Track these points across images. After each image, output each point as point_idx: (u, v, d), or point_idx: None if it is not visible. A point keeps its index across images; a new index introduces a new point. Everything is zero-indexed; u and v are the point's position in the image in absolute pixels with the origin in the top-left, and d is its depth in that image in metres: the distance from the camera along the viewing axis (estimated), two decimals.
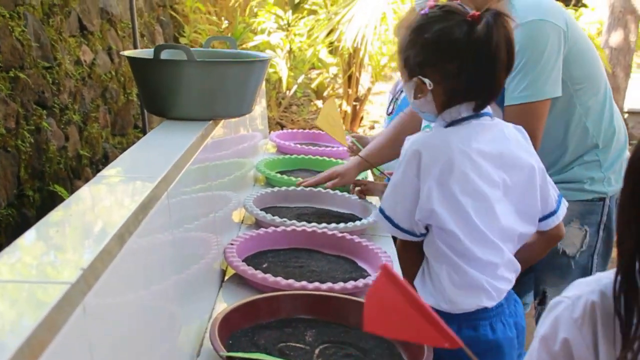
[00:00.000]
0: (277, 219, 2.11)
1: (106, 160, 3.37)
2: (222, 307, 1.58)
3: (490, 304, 1.55)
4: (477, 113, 1.56)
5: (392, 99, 2.84)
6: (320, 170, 2.86)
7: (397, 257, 1.72)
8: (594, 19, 9.98)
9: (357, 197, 2.40)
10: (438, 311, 1.49)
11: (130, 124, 3.86)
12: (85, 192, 1.15)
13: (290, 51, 6.65)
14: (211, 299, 1.67)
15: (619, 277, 0.99)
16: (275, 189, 2.46)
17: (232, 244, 1.87)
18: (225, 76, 1.79)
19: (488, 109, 1.59)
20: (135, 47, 3.20)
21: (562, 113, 2.03)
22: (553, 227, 1.65)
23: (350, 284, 1.68)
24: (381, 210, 1.62)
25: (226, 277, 1.82)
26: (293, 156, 2.98)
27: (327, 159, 2.95)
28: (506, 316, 1.59)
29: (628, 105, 8.48)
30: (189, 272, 1.43)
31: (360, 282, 1.70)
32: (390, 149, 2.27)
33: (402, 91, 2.74)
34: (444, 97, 1.55)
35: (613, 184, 2.07)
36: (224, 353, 1.31)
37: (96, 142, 3.29)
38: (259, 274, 1.68)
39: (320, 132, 3.41)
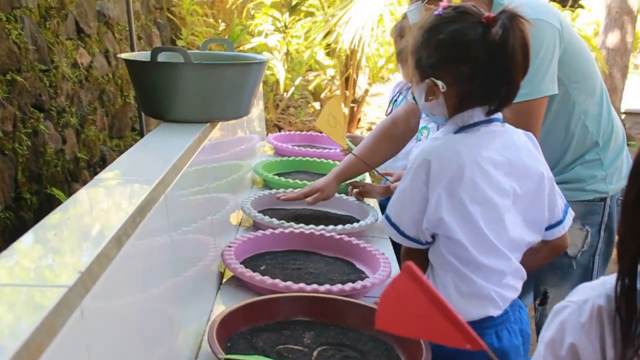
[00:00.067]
0: (274, 221, 2.11)
1: (104, 162, 3.37)
2: (220, 309, 1.58)
3: (496, 312, 1.52)
4: (488, 118, 1.52)
5: (391, 100, 2.84)
6: (317, 172, 2.87)
7: (400, 263, 1.70)
8: (590, 20, 10.00)
9: (354, 198, 2.40)
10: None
11: (127, 126, 3.85)
12: (82, 195, 1.15)
13: (288, 53, 6.65)
14: (209, 302, 1.67)
15: (620, 280, 0.99)
16: (273, 191, 2.46)
17: (230, 246, 1.87)
18: (223, 78, 1.79)
19: (498, 114, 1.55)
20: (132, 50, 3.19)
21: (561, 112, 2.03)
22: (558, 237, 1.62)
23: (349, 286, 1.68)
24: (387, 217, 1.58)
25: (224, 280, 1.82)
26: (291, 158, 2.98)
27: (325, 160, 2.95)
28: (511, 323, 1.57)
29: (625, 106, 8.49)
30: (186, 275, 1.43)
31: (359, 284, 1.70)
32: (380, 150, 2.28)
33: (400, 93, 2.74)
34: (456, 100, 1.51)
35: (614, 182, 2.08)
36: (223, 355, 1.31)
37: (93, 145, 3.29)
38: (257, 276, 1.68)
39: (318, 134, 3.41)
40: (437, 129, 2.03)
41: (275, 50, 6.50)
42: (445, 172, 1.46)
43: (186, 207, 1.49)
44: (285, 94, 6.80)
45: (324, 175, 2.81)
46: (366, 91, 7.06)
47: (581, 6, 10.42)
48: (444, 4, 1.52)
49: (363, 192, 2.39)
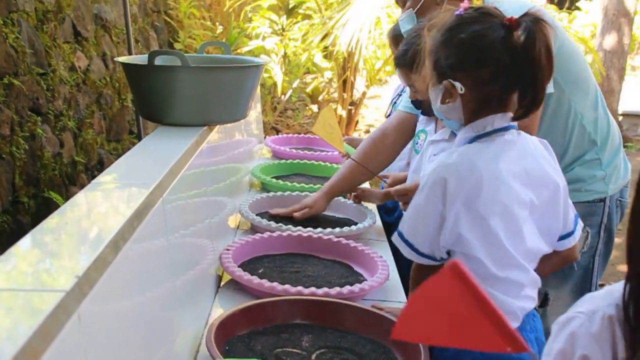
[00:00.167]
0: (272, 224, 2.10)
1: (101, 166, 3.36)
2: (219, 312, 1.58)
3: (515, 324, 1.49)
4: (503, 126, 1.48)
5: (391, 102, 2.84)
6: (315, 174, 2.87)
7: (410, 278, 1.65)
8: (587, 22, 10.02)
9: (352, 202, 2.40)
10: None
11: (125, 129, 3.85)
12: (80, 198, 1.15)
13: (285, 56, 6.66)
14: (207, 305, 1.67)
15: (628, 286, 0.99)
16: (271, 194, 2.46)
17: (228, 250, 1.87)
18: (220, 82, 1.79)
19: (514, 122, 1.50)
20: (129, 53, 3.20)
21: (558, 113, 2.03)
22: (569, 248, 1.59)
23: (346, 289, 1.68)
24: (400, 234, 1.54)
25: (222, 283, 1.82)
26: (288, 161, 2.98)
27: (323, 163, 2.95)
28: (527, 332, 1.55)
29: (622, 107, 8.51)
30: (184, 278, 1.43)
31: (357, 287, 1.70)
32: (371, 163, 2.26)
33: (400, 94, 2.74)
34: (474, 104, 1.46)
35: (613, 182, 2.08)
36: (221, 359, 1.31)
37: (91, 148, 3.29)
38: (255, 280, 1.68)
39: (316, 136, 3.41)
40: (435, 132, 2.04)
41: (273, 53, 6.51)
42: (463, 188, 1.42)
43: (184, 211, 1.49)
44: (282, 96, 6.80)
45: (321, 177, 2.83)
46: (364, 93, 7.07)
47: (578, 8, 10.44)
48: (465, 4, 1.49)
49: (361, 196, 2.39)
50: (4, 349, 0.63)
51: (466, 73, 1.45)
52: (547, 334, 1.20)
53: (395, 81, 2.55)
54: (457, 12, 1.46)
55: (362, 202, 2.40)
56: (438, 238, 1.47)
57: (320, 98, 7.56)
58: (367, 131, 7.65)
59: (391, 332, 1.54)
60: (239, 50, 5.98)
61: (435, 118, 2.06)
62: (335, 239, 2.02)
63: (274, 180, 2.64)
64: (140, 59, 1.90)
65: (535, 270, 1.53)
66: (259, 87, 2.23)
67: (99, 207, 1.17)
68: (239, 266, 1.80)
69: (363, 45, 5.66)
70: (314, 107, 7.69)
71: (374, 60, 6.70)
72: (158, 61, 1.75)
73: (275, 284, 1.66)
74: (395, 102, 2.77)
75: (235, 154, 2.43)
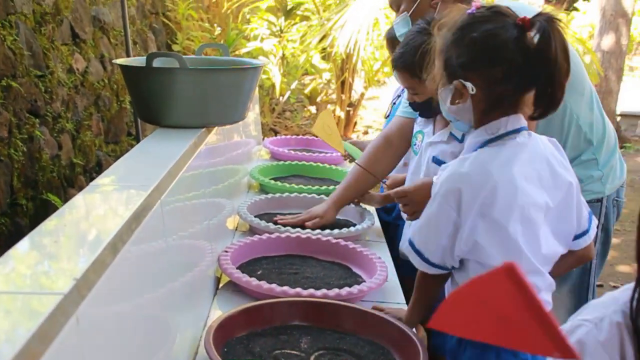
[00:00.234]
0: (271, 225, 2.11)
1: (100, 168, 3.36)
2: (217, 314, 1.58)
3: None
4: (515, 128, 1.45)
5: (391, 102, 2.84)
6: (314, 176, 2.87)
7: (416, 284, 1.61)
8: (585, 23, 10.04)
9: (352, 204, 2.40)
10: (474, 340, 1.46)
11: (123, 131, 3.85)
12: (79, 201, 1.15)
13: (283, 57, 6.66)
14: (206, 307, 1.67)
15: (637, 292, 0.99)
16: (270, 195, 2.46)
17: (226, 251, 1.87)
18: (218, 84, 1.79)
19: (524, 123, 1.47)
20: (127, 55, 3.20)
21: (555, 114, 2.03)
22: (584, 248, 1.56)
23: (345, 290, 1.68)
24: (411, 243, 1.52)
25: (221, 285, 1.82)
26: (287, 162, 2.98)
27: (321, 165, 2.95)
28: None
29: (620, 108, 8.52)
30: (183, 280, 1.43)
31: (355, 288, 1.70)
32: (377, 169, 2.26)
33: (399, 96, 2.73)
34: (485, 105, 1.44)
35: (609, 182, 2.09)
36: None
37: (89, 150, 3.29)
38: (254, 281, 1.68)
39: (314, 138, 3.41)
40: (433, 133, 2.04)
41: (271, 55, 6.51)
42: (478, 196, 1.40)
43: (182, 213, 1.49)
44: (281, 98, 6.80)
45: (320, 179, 2.83)
46: (362, 95, 7.08)
47: (576, 9, 10.46)
48: (476, 3, 1.48)
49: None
50: (2, 352, 0.63)
51: (478, 72, 1.42)
52: None
53: (393, 82, 2.55)
54: (469, 11, 1.44)
55: (362, 204, 2.39)
56: (451, 247, 1.45)
57: (318, 99, 7.57)
58: (366, 132, 7.65)
59: (389, 332, 1.53)
60: (237, 52, 5.99)
61: (434, 119, 2.06)
62: (334, 241, 2.03)
63: (273, 181, 2.64)
64: (138, 61, 1.90)
65: (549, 272, 1.51)
66: (257, 89, 2.23)
67: (97, 209, 1.17)
68: (237, 268, 1.80)
69: (361, 47, 5.66)
70: (312, 109, 7.70)
71: (372, 61, 6.72)
72: (156, 63, 1.75)
73: (273, 285, 1.66)
74: (394, 103, 2.77)
75: (233, 155, 2.43)
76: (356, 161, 2.25)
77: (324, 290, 1.67)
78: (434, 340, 1.98)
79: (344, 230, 2.12)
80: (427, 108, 2.02)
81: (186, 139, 1.64)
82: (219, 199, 2.01)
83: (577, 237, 1.54)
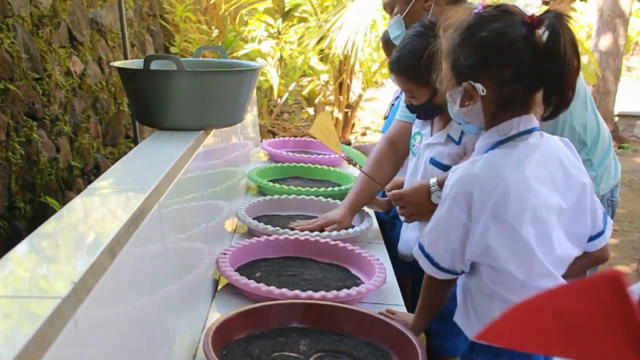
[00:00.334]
0: (269, 227, 2.10)
1: (98, 170, 3.36)
2: (216, 317, 1.57)
3: None
4: (527, 129, 1.42)
5: (390, 103, 2.84)
6: (312, 177, 2.87)
7: (422, 288, 1.60)
8: (582, 23, 10.05)
9: None
10: (487, 346, 1.43)
11: (121, 134, 3.85)
12: (77, 203, 1.15)
13: (281, 59, 6.66)
14: (204, 309, 1.67)
15: None
16: (268, 197, 2.46)
17: (224, 254, 1.86)
18: (216, 86, 1.79)
19: (536, 124, 1.45)
20: (125, 57, 3.19)
21: None
22: (599, 249, 1.53)
23: (344, 292, 1.68)
24: (420, 247, 1.50)
25: (219, 287, 1.82)
26: (285, 164, 2.98)
27: (320, 166, 2.95)
28: None
29: (618, 108, 8.53)
30: (181, 283, 1.43)
31: (354, 290, 1.70)
32: (384, 174, 2.25)
33: (398, 97, 2.73)
34: (495, 106, 1.41)
35: (604, 182, 2.09)
36: None
37: (87, 153, 3.29)
38: (252, 284, 1.68)
39: (313, 139, 3.41)
40: (431, 135, 2.04)
41: (269, 56, 6.51)
42: (490, 199, 1.38)
43: (180, 215, 1.49)
44: (279, 99, 6.80)
45: (318, 180, 2.83)
46: (360, 96, 7.08)
47: (573, 9, 10.46)
48: (483, 3, 1.45)
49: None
50: (1, 355, 0.63)
51: (487, 73, 1.40)
52: None
53: (391, 84, 2.55)
54: (475, 11, 1.42)
55: (364, 208, 2.38)
56: (461, 251, 1.43)
57: (316, 101, 7.57)
58: (364, 134, 7.66)
59: (388, 334, 1.53)
60: (235, 54, 5.99)
61: (431, 121, 2.06)
62: (332, 242, 2.02)
63: (271, 183, 2.64)
64: (135, 63, 1.90)
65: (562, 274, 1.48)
66: (255, 91, 2.23)
67: (95, 212, 1.17)
68: (235, 270, 1.80)
69: (359, 48, 5.66)
70: (311, 110, 7.70)
71: (370, 62, 6.72)
72: (154, 65, 1.75)
73: (272, 287, 1.66)
74: (393, 104, 2.77)
75: (231, 157, 2.43)
76: (362, 169, 2.25)
77: (322, 292, 1.67)
78: (434, 341, 1.98)
79: (342, 232, 2.12)
80: (424, 111, 2.02)
81: (184, 141, 1.64)
82: (217, 201, 2.01)
83: (592, 239, 1.51)
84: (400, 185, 2.10)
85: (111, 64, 1.93)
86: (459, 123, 1.57)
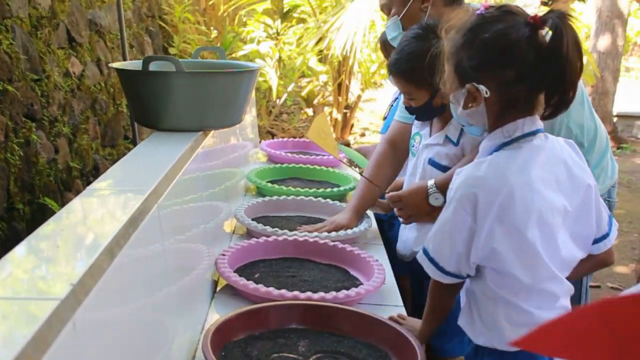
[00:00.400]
0: (268, 228, 2.10)
1: (97, 171, 3.36)
2: (215, 318, 1.57)
3: None
4: (531, 131, 1.41)
5: (390, 104, 2.84)
6: (311, 178, 2.87)
7: (429, 292, 1.59)
8: (581, 24, 10.04)
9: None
10: (491, 349, 1.44)
11: (120, 135, 3.85)
12: (76, 205, 1.15)
13: (280, 60, 6.66)
14: (203, 310, 1.67)
15: None
16: (267, 198, 2.46)
17: (223, 255, 1.86)
18: (215, 87, 1.79)
19: (541, 125, 1.44)
20: (124, 58, 3.19)
21: None
22: (604, 251, 1.51)
23: (342, 293, 1.68)
24: (425, 251, 1.49)
25: (218, 288, 1.82)
26: (284, 165, 2.98)
27: (318, 167, 2.95)
28: None
29: (617, 108, 8.53)
30: (180, 284, 1.43)
31: (353, 291, 1.70)
32: (385, 175, 2.25)
33: (397, 98, 2.73)
34: (499, 107, 1.40)
35: (601, 183, 2.08)
36: None
37: (86, 154, 3.29)
38: (251, 285, 1.68)
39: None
40: (430, 135, 2.04)
41: (268, 57, 6.51)
42: (495, 201, 1.37)
43: (179, 216, 1.49)
44: (278, 100, 6.80)
45: (317, 181, 2.83)
46: (359, 97, 7.08)
47: (572, 10, 10.46)
48: (485, 4, 1.43)
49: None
50: (0, 357, 0.63)
51: (491, 74, 1.39)
52: None
53: (390, 84, 2.54)
54: (478, 12, 1.41)
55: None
56: (466, 254, 1.42)
57: (315, 101, 7.57)
58: (362, 134, 7.66)
59: (387, 335, 1.52)
60: (233, 55, 5.98)
61: (430, 121, 2.06)
62: (331, 243, 2.02)
63: (270, 184, 2.64)
64: (134, 64, 1.90)
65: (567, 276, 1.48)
66: (254, 92, 2.23)
67: (94, 214, 1.17)
68: (234, 271, 1.80)
69: (358, 49, 5.67)
70: (309, 111, 7.70)
71: (368, 63, 6.72)
72: (152, 67, 1.75)
73: (271, 288, 1.66)
74: (392, 105, 2.77)
75: (230, 158, 2.43)
76: (363, 173, 2.25)
77: (321, 293, 1.67)
78: (433, 342, 1.98)
79: (341, 232, 2.12)
80: (423, 112, 2.02)
81: (183, 142, 1.64)
82: (216, 202, 2.01)
83: (597, 241, 1.50)
84: (400, 187, 2.10)
85: (110, 65, 1.93)
86: (462, 125, 1.56)
